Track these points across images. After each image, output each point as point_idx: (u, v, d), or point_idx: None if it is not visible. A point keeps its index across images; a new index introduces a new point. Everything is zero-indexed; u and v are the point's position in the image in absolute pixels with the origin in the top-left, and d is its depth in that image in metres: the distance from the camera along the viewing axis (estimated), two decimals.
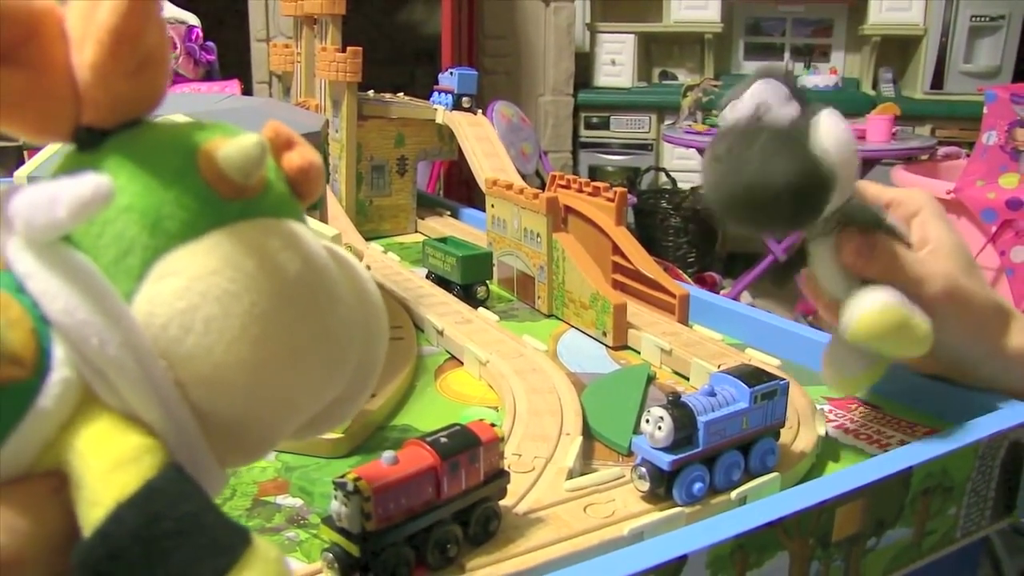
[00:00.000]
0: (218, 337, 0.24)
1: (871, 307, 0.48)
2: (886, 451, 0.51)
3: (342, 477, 0.36)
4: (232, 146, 0.26)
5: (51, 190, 0.23)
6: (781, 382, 0.47)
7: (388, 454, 0.37)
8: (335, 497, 0.36)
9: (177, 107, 0.54)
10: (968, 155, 2.22)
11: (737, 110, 0.47)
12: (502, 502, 0.42)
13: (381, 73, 1.10)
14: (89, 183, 0.23)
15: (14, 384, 0.23)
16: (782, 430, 0.49)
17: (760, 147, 0.44)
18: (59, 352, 0.24)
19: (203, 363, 0.25)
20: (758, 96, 0.47)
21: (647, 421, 0.44)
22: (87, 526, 0.23)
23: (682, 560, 0.38)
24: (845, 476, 0.45)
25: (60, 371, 0.24)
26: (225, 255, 0.25)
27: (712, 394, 0.45)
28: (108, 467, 0.23)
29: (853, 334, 0.49)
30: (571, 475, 0.47)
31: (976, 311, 0.53)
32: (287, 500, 0.49)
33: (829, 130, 0.46)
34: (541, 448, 0.50)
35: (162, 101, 0.27)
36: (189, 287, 0.24)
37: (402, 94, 1.19)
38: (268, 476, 0.51)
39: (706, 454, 0.44)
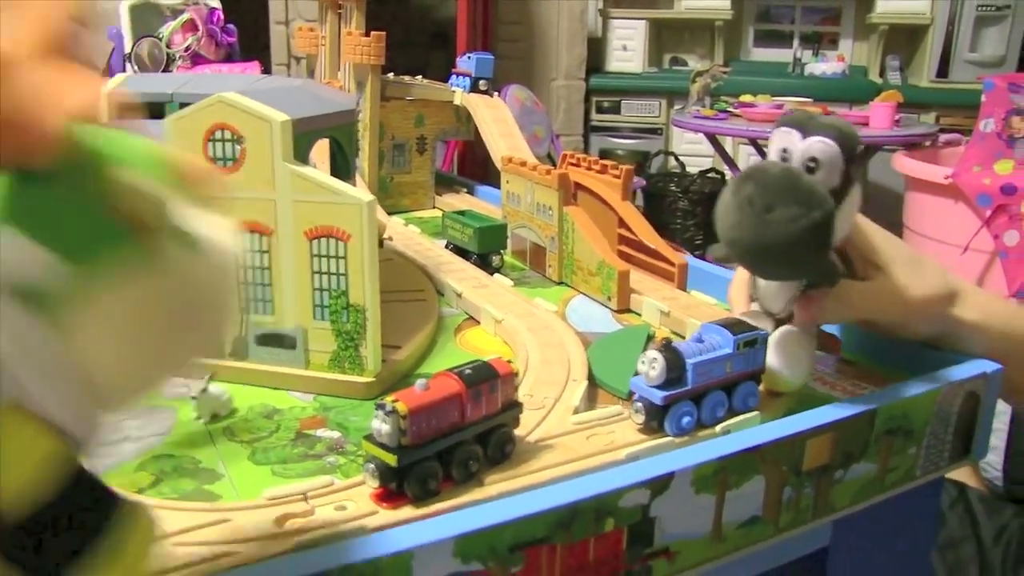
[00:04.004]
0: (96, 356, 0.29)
1: (788, 381, 0.55)
2: None
3: (382, 399, 0.42)
4: None
5: None
6: (762, 332, 0.53)
7: (421, 382, 0.43)
8: (376, 416, 0.42)
9: (220, 87, 0.60)
10: (968, 142, 2.27)
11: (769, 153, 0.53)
12: (516, 433, 0.48)
13: (395, 56, 1.15)
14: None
15: None
16: (763, 376, 0.55)
17: (783, 214, 0.48)
18: None
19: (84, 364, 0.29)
20: (779, 143, 0.52)
21: (643, 363, 0.50)
22: None
23: (670, 476, 0.44)
24: (816, 414, 0.51)
25: None
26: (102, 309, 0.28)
27: (700, 341, 0.52)
28: None
29: (781, 388, 0.56)
30: (576, 412, 0.54)
31: (924, 310, 0.59)
32: (326, 433, 0.55)
33: (847, 216, 0.52)
34: (551, 391, 0.56)
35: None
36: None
37: (420, 77, 1.25)
38: (308, 414, 0.58)
39: (694, 392, 0.50)
